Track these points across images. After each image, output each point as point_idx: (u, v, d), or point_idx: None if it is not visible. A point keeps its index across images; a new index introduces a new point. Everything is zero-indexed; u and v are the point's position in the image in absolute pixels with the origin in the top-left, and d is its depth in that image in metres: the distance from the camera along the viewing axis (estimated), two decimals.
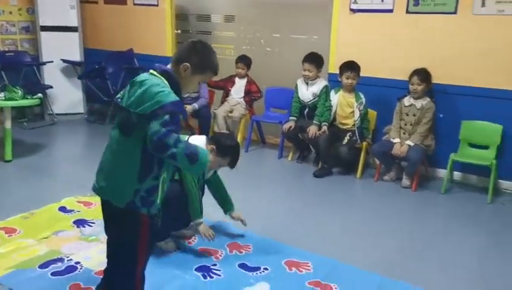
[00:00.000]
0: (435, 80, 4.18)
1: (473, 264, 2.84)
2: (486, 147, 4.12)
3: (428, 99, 4.17)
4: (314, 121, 4.55)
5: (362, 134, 4.44)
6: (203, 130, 5.10)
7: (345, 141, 4.38)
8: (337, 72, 4.56)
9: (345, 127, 4.50)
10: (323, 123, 4.52)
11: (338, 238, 3.13)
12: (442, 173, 4.29)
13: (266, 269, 2.64)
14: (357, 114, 4.39)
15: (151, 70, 1.86)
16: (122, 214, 1.81)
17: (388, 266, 2.76)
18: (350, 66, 4.40)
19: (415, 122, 4.17)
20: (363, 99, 4.41)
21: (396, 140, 4.19)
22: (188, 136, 2.63)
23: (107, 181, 1.83)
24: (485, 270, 2.79)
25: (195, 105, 5.07)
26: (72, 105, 6.36)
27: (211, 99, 5.37)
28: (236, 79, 5.22)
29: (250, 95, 5.17)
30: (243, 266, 2.67)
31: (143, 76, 1.84)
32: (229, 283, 2.48)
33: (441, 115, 4.32)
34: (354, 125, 4.42)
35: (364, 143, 4.45)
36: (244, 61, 5.15)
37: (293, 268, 2.65)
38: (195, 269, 2.61)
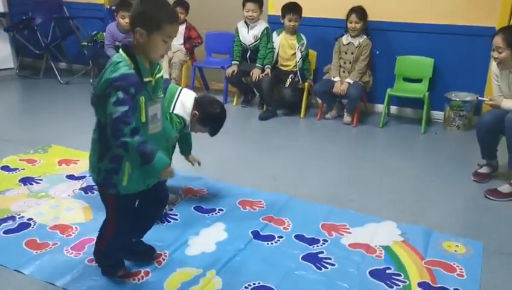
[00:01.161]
0: (370, 17, 4.29)
1: (409, 188, 3.11)
2: (419, 81, 4.37)
3: (365, 37, 4.30)
4: (256, 64, 4.58)
5: (304, 75, 4.54)
6: None
7: (288, 82, 4.46)
8: (277, 14, 4.56)
9: (287, 68, 4.58)
10: (266, 66, 4.56)
11: (286, 175, 3.28)
12: (380, 107, 4.53)
13: (221, 209, 2.75)
14: (298, 55, 4.46)
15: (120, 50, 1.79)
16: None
17: (334, 197, 2.96)
18: (292, 8, 4.40)
19: (353, 60, 4.31)
20: (305, 41, 4.47)
21: (337, 79, 4.33)
22: (180, 88, 2.57)
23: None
24: (419, 191, 3.06)
25: None
26: (0, 60, 5.95)
27: None
28: None
29: (191, 41, 5.07)
30: (198, 208, 2.76)
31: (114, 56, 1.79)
32: (186, 225, 2.57)
33: (377, 52, 4.49)
34: (295, 66, 4.50)
35: (306, 84, 4.56)
36: (182, 5, 4.99)
37: (247, 207, 2.78)
38: None
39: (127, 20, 4.85)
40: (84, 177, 3.13)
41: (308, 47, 4.55)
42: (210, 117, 2.54)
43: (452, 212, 2.82)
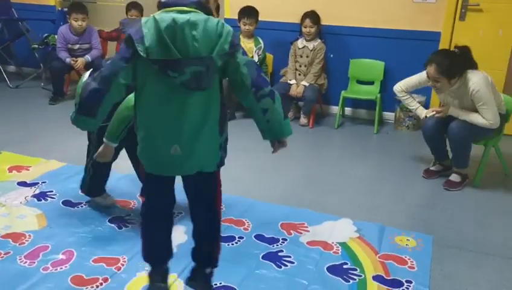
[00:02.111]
0: (324, 21, 4.41)
1: (364, 186, 3.22)
2: (371, 83, 4.53)
3: (319, 40, 4.41)
4: None
5: None
6: None
7: None
8: (233, 17, 4.60)
9: None
10: None
11: (246, 177, 3.32)
12: (335, 109, 4.66)
13: (180, 212, 2.74)
14: (256, 59, 4.51)
15: (178, 8, 1.57)
16: None
17: (292, 197, 3.02)
18: (248, 12, 4.45)
19: (308, 63, 4.41)
20: (262, 44, 4.53)
21: (293, 81, 4.42)
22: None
23: None
24: (374, 189, 3.18)
25: (88, 57, 4.82)
26: None
27: (104, 50, 5.11)
28: None
29: None
30: None
31: (179, 17, 1.55)
32: None
33: (332, 55, 4.61)
34: None
35: None
36: (136, 8, 4.93)
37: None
38: (109, 221, 2.63)
39: (80, 22, 4.75)
40: (36, 184, 3.04)
41: (265, 50, 4.61)
42: None
43: (404, 209, 2.95)
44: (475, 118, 3.02)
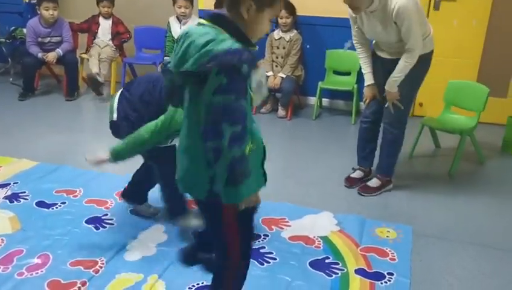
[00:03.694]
0: (300, 12, 4.37)
1: (343, 178, 3.21)
2: (348, 74, 4.52)
3: (295, 31, 4.38)
4: None
5: None
6: (69, 77, 4.75)
7: None
8: (208, 8, 4.51)
9: None
10: None
11: None
12: (313, 100, 4.64)
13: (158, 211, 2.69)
14: None
15: (199, 20, 1.46)
16: None
17: (272, 191, 2.98)
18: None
19: (285, 54, 4.38)
20: None
21: (270, 73, 4.38)
22: None
23: None
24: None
25: (59, 51, 4.67)
26: None
27: (75, 43, 4.96)
28: (101, 19, 4.87)
29: (119, 36, 4.88)
30: (135, 211, 2.68)
31: (191, 27, 1.44)
32: (123, 229, 2.49)
33: (308, 46, 4.59)
34: None
35: None
36: None
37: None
38: (86, 222, 2.56)
39: (51, 12, 4.60)
40: (8, 184, 2.93)
41: None
42: None
43: (383, 200, 2.97)
44: (403, 66, 2.70)
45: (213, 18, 1.41)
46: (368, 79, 2.94)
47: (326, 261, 2.30)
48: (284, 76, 4.32)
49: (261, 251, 2.35)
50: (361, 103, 3.50)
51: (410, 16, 2.58)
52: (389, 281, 2.16)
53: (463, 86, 3.52)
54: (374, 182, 3.05)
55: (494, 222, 2.72)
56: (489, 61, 4.18)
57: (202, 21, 1.44)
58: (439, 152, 3.75)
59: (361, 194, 3.01)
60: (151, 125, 2.02)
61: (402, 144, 3.03)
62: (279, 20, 4.31)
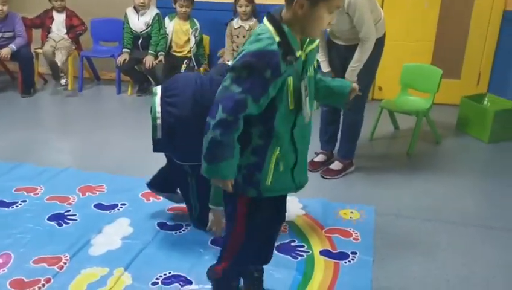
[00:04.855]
0: (258, 0, 4.37)
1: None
2: None
3: (255, 19, 4.38)
4: (149, 51, 4.46)
5: (199, 60, 4.52)
6: (25, 73, 4.60)
7: (183, 68, 4.41)
8: None
9: (181, 54, 4.52)
10: (159, 52, 4.46)
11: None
12: None
13: (124, 204, 2.66)
14: (192, 41, 4.42)
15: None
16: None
17: None
18: None
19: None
20: (198, 26, 4.45)
21: (231, 62, 4.36)
22: None
23: None
24: None
25: (13, 46, 4.51)
26: None
27: (29, 38, 4.80)
28: (54, 13, 4.71)
29: (74, 30, 4.74)
30: (99, 206, 2.65)
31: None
32: (86, 224, 2.46)
33: None
34: (190, 52, 4.47)
35: (202, 68, 4.55)
36: None
37: (150, 198, 2.72)
38: (48, 219, 2.50)
39: (0, 7, 4.42)
40: None
41: (201, 32, 4.52)
42: None
43: (346, 182, 3.04)
44: (360, 56, 2.75)
45: (267, 16, 1.42)
46: (324, 67, 2.99)
47: (292, 244, 2.34)
48: None
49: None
50: None
51: (362, 7, 2.65)
52: (353, 260, 2.23)
53: (417, 68, 3.63)
54: (336, 165, 3.12)
55: (450, 198, 2.84)
56: (443, 44, 4.32)
57: (264, 20, 1.44)
58: (398, 133, 3.86)
59: (324, 178, 3.07)
60: None
61: (361, 127, 3.10)
62: (239, 9, 4.30)
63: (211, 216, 2.30)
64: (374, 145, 3.64)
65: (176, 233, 2.41)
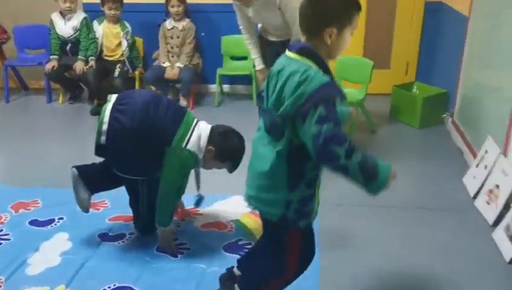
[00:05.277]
0: (190, 0, 4.33)
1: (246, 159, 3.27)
2: (245, 58, 4.58)
3: (188, 20, 4.33)
4: (79, 57, 4.28)
5: (133, 63, 4.41)
6: None
7: (116, 73, 4.27)
8: (93, 1, 4.30)
9: (113, 58, 4.38)
10: (89, 57, 4.30)
11: None
12: (214, 88, 4.65)
13: (61, 218, 2.54)
14: (124, 44, 4.30)
15: (287, 53, 1.49)
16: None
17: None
18: None
19: (180, 44, 4.32)
20: (129, 28, 4.33)
21: (167, 64, 4.30)
22: (195, 119, 2.21)
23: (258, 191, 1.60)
24: None
25: None
26: None
27: None
28: None
29: None
30: (34, 222, 2.51)
31: (279, 63, 1.48)
32: (22, 243, 2.32)
33: (203, 34, 4.57)
34: (123, 55, 4.35)
35: (137, 72, 4.44)
36: None
37: (89, 210, 2.61)
38: None
39: None
40: None
41: (133, 34, 4.41)
42: (229, 151, 2.20)
43: None
44: None
45: (301, 51, 1.45)
46: (258, 64, 3.00)
47: (239, 243, 2.34)
48: (182, 66, 4.27)
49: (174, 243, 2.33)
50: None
51: (294, 2, 2.67)
52: None
53: (350, 61, 3.74)
54: None
55: None
56: (372, 36, 4.48)
57: (290, 54, 1.47)
58: None
59: None
60: (172, 174, 2.12)
61: None
62: (171, 10, 4.23)
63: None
64: None
65: (118, 243, 2.33)
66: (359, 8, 1.48)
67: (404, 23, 4.45)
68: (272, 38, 2.93)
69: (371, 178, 1.47)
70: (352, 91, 3.71)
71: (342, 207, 2.67)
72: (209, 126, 2.23)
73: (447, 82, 3.90)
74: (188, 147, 2.11)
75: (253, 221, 2.52)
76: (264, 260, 1.74)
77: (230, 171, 2.27)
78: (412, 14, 4.40)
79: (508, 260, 2.19)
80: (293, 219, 1.56)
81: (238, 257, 2.20)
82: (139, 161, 2.11)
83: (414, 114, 3.83)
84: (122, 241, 2.35)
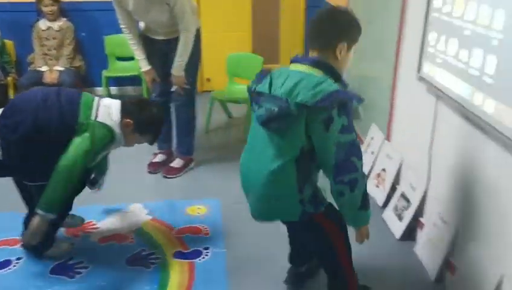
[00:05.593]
0: None
1: (143, 165, 3.14)
2: (132, 58, 4.38)
3: (64, 19, 4.02)
4: None
5: (4, 69, 3.99)
6: None
7: None
8: None
9: None
10: None
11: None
12: (100, 90, 4.39)
13: None
14: None
15: (295, 65, 1.56)
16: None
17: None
18: None
19: (57, 45, 3.99)
20: None
21: (44, 68, 3.95)
22: (96, 99, 2.01)
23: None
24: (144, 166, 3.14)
25: None
26: None
27: None
28: None
29: None
30: None
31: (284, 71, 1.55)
32: None
33: (83, 34, 4.28)
34: None
35: (10, 78, 4.02)
36: None
37: None
38: None
39: None
40: None
41: (2, 37, 3.97)
42: (148, 121, 2.09)
43: (189, 178, 3.01)
44: (184, 48, 2.72)
45: (314, 63, 1.52)
46: (143, 65, 2.87)
47: (143, 253, 2.23)
48: (62, 69, 3.95)
49: (69, 263, 2.14)
50: None
51: None
52: (207, 255, 2.22)
53: (240, 57, 3.78)
54: (177, 163, 3.06)
55: None
56: (260, 33, 4.58)
57: (298, 66, 1.54)
58: (232, 122, 3.98)
59: (166, 177, 2.99)
60: (79, 147, 1.87)
61: (196, 120, 3.10)
62: (44, 9, 3.89)
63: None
64: (211, 137, 3.69)
65: (5, 271, 2.09)
66: (360, 35, 1.60)
67: (288, 19, 4.62)
68: (158, 37, 2.82)
69: (366, 205, 1.57)
70: (244, 87, 3.73)
71: (246, 205, 2.67)
72: (117, 100, 2.09)
73: None
74: (98, 120, 1.95)
75: (155, 228, 2.42)
76: (318, 250, 1.84)
77: (151, 143, 2.21)
78: (295, 10, 4.57)
79: (398, 237, 2.37)
80: (311, 209, 1.62)
81: (143, 267, 2.11)
82: (48, 163, 1.88)
83: None
84: (9, 269, 2.10)
